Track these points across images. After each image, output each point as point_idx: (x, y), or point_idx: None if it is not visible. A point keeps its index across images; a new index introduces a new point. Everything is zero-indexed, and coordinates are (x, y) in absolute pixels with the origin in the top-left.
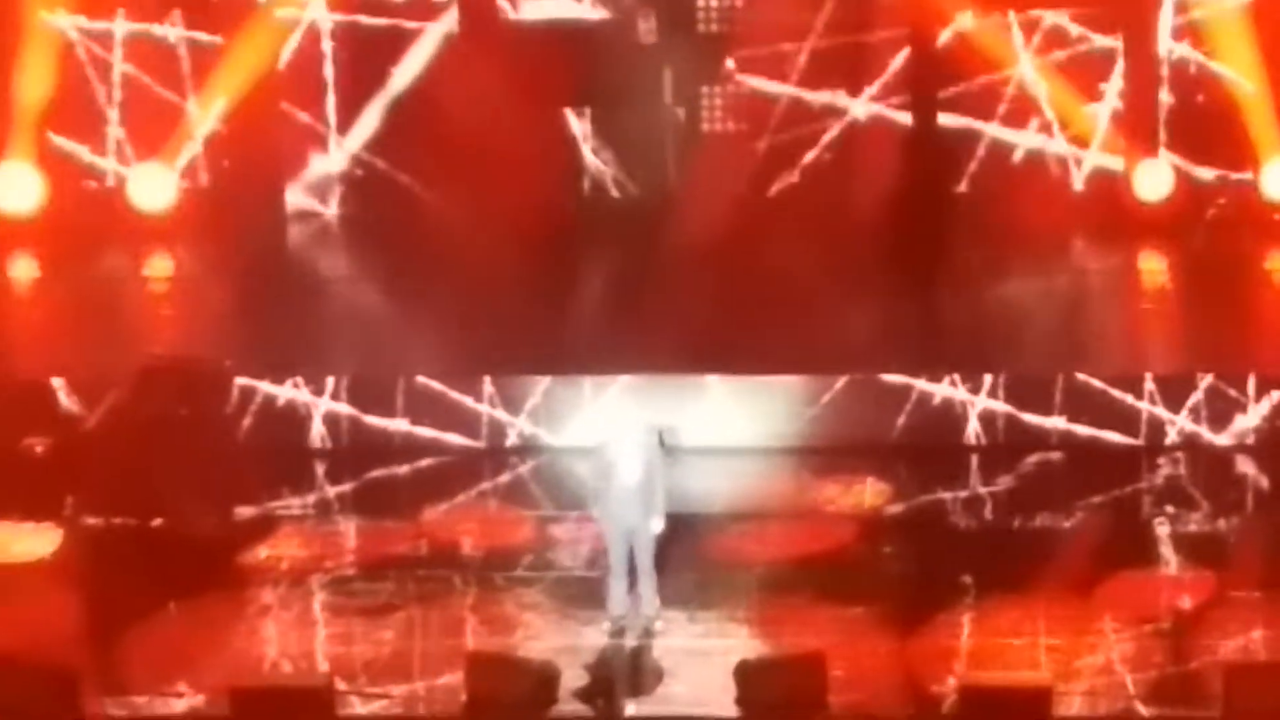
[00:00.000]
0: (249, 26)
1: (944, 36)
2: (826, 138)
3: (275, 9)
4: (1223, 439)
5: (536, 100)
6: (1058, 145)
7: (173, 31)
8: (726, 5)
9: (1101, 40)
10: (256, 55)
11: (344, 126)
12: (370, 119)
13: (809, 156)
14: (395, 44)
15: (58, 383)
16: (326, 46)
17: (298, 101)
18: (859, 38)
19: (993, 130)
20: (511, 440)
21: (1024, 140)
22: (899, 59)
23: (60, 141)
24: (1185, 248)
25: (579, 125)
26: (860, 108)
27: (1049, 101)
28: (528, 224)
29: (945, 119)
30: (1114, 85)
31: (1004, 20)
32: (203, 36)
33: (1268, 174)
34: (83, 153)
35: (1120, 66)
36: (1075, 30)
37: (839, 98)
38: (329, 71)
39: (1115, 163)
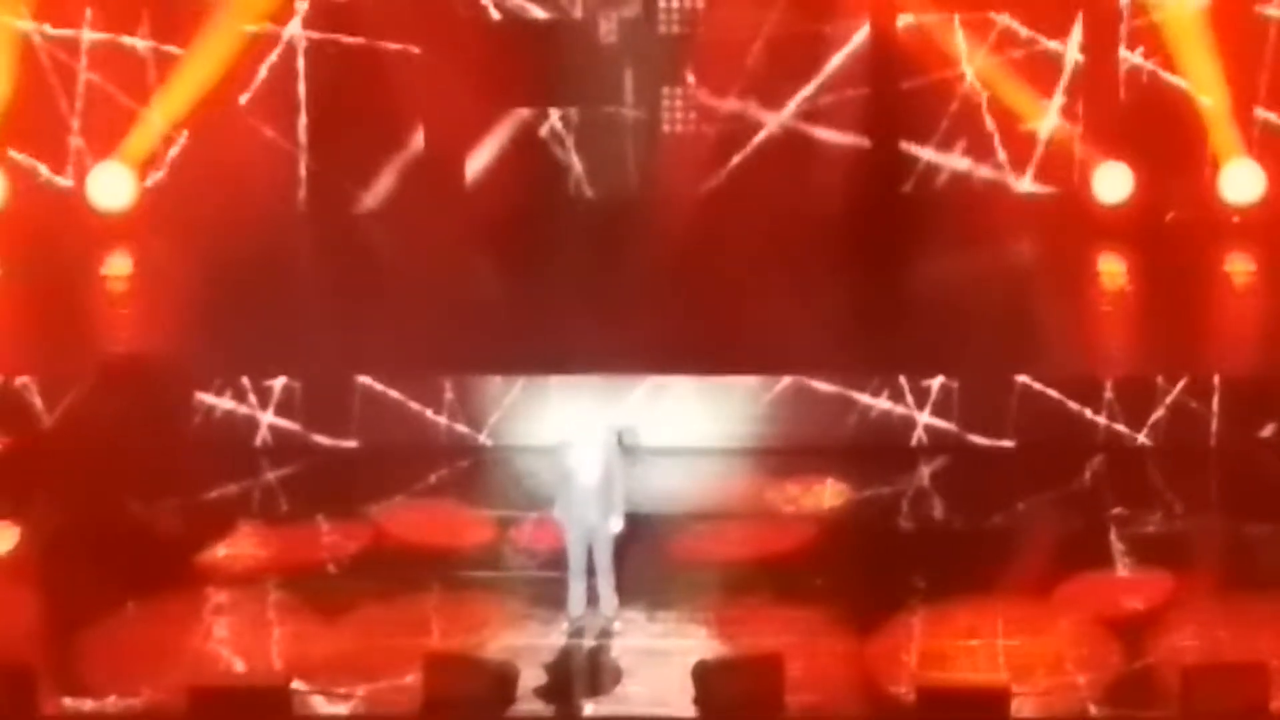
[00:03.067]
0: (217, 40)
1: (897, 31)
2: (770, 138)
3: (245, 24)
4: (1182, 439)
5: (498, 100)
6: (1011, 147)
7: (141, 42)
8: (688, 6)
9: (1054, 44)
10: (223, 67)
11: (314, 142)
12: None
13: (763, 156)
14: (367, 61)
15: (17, 381)
16: (299, 64)
17: (264, 115)
18: (814, 33)
19: (944, 133)
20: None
21: (975, 144)
22: (841, 57)
23: (19, 154)
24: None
25: (543, 125)
26: (811, 107)
27: (1004, 102)
28: (491, 224)
29: (898, 118)
30: (1070, 88)
31: (959, 19)
32: (173, 49)
33: (1226, 177)
34: (41, 168)
35: (1076, 70)
36: (1026, 33)
37: (788, 108)
38: (301, 88)
39: (1071, 166)
